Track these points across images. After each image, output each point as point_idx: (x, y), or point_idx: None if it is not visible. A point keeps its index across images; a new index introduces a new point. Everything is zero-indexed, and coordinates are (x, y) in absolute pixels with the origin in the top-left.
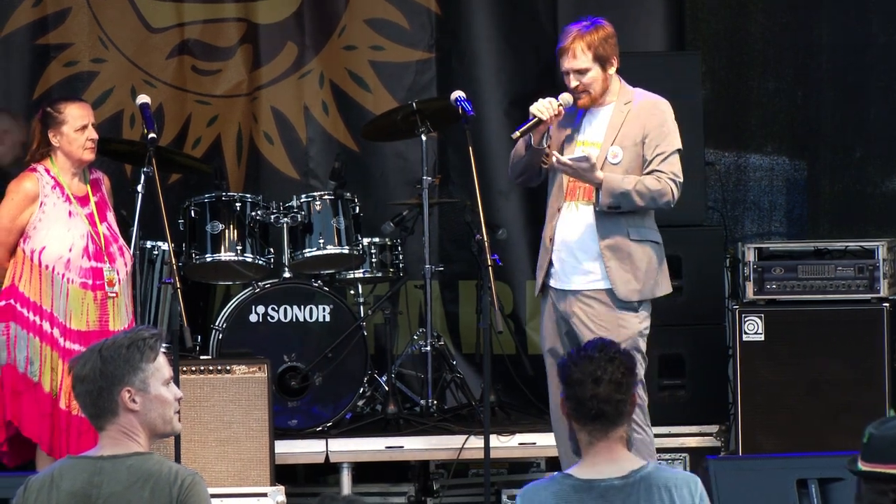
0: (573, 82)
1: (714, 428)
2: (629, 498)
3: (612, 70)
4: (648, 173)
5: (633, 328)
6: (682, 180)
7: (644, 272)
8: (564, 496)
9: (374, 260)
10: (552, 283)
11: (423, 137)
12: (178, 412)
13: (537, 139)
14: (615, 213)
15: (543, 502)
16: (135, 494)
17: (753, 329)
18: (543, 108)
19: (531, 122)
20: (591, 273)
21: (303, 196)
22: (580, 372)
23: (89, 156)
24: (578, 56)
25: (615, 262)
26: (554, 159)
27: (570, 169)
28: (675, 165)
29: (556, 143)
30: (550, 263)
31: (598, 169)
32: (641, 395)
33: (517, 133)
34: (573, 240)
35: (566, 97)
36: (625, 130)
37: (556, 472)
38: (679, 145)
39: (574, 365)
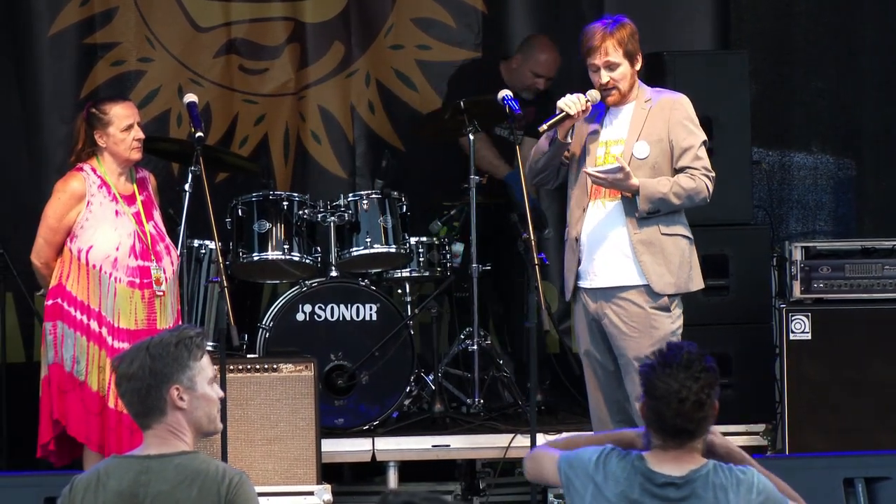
0: (604, 78)
1: (761, 427)
2: (684, 495)
3: (637, 66)
4: (680, 170)
5: (665, 329)
6: (714, 174)
7: (677, 265)
8: (631, 476)
9: (421, 259)
10: (582, 283)
11: (471, 136)
12: (219, 411)
13: (563, 134)
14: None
15: (616, 473)
16: (182, 493)
17: (800, 328)
18: (571, 102)
19: (558, 117)
20: (625, 269)
21: (350, 195)
22: (664, 388)
23: (136, 155)
24: (611, 52)
25: (648, 256)
26: (588, 172)
27: (604, 181)
28: (704, 160)
29: (579, 143)
30: (579, 264)
31: (632, 176)
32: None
33: (544, 126)
34: (603, 237)
35: (594, 93)
36: (648, 127)
37: (634, 450)
38: (704, 136)
39: (658, 379)
